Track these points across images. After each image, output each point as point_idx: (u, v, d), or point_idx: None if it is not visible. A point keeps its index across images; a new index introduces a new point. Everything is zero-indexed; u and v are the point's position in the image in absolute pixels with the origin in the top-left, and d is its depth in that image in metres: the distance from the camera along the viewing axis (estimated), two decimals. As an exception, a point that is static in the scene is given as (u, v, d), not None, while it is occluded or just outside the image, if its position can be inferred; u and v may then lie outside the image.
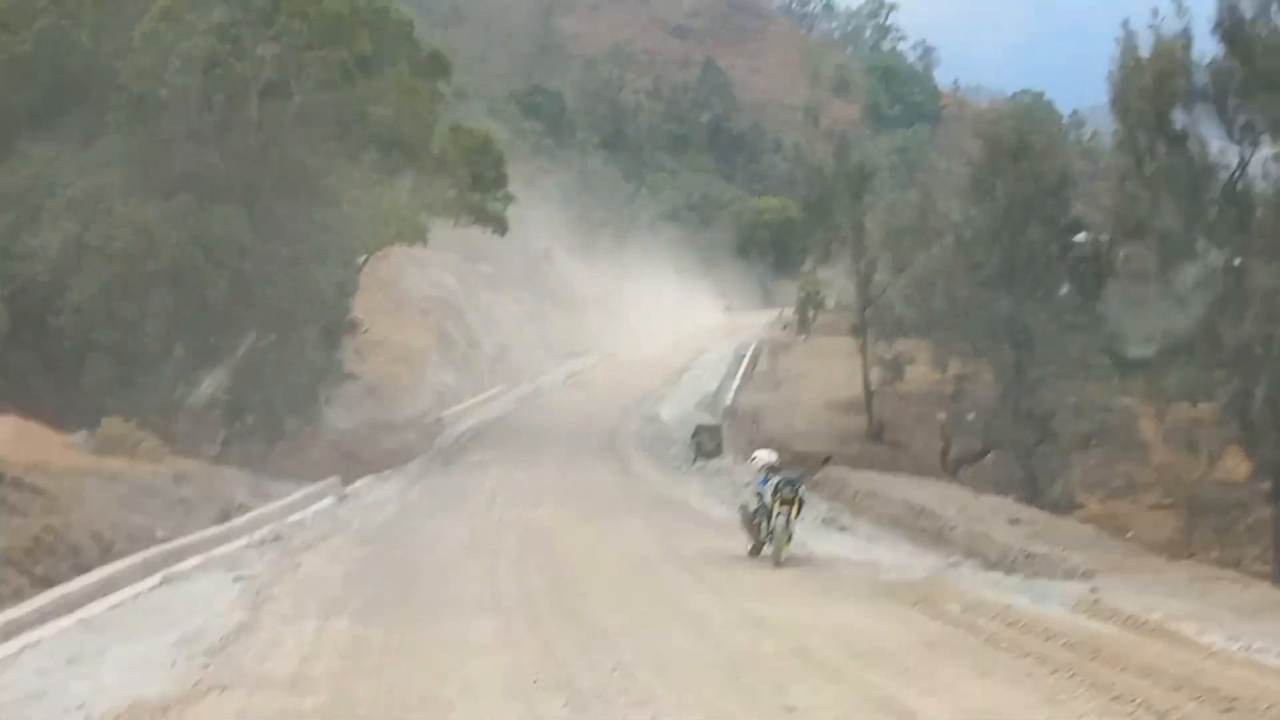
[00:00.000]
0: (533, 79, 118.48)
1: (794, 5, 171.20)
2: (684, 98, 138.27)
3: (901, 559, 20.03)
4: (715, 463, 33.47)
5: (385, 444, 41.97)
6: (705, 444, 34.78)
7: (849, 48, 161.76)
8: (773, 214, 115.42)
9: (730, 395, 50.58)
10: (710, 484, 30.27)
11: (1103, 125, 39.99)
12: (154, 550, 18.54)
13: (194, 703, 10.59)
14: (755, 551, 18.91)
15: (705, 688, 10.98)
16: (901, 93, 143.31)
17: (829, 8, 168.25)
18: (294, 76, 33.74)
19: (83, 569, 17.12)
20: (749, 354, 65.02)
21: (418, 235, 37.05)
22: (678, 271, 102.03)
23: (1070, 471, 34.81)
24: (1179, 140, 27.95)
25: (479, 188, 39.70)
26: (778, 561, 18.23)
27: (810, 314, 79.72)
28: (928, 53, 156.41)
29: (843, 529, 23.39)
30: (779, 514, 18.30)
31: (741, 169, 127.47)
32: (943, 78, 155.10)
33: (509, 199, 41.36)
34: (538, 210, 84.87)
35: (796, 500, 18.53)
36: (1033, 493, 34.23)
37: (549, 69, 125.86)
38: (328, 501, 27.73)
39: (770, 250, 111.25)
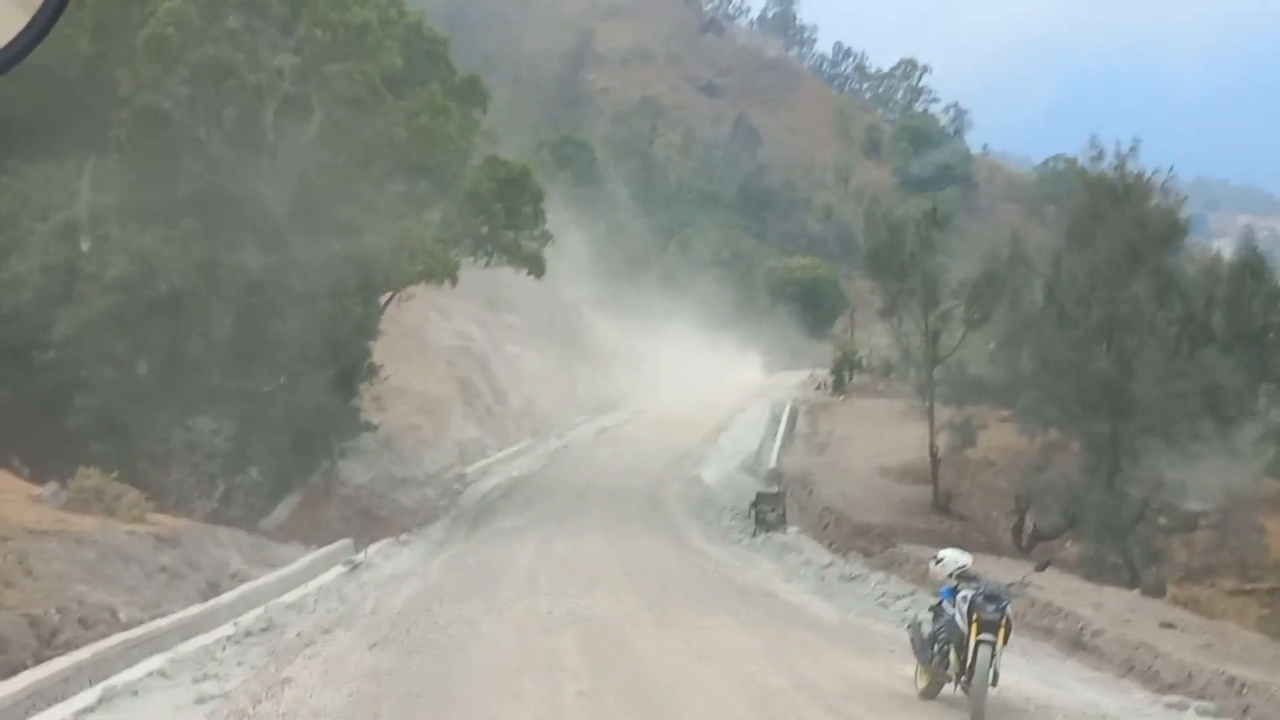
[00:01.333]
0: (562, 129, 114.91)
1: (825, 66, 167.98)
2: (715, 154, 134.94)
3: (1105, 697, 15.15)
4: (779, 537, 29.03)
5: (404, 501, 37.86)
6: (767, 514, 30.24)
7: (879, 109, 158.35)
8: (803, 272, 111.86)
9: (773, 457, 46.31)
10: (785, 565, 25.71)
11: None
12: (105, 644, 14.14)
13: None
14: (932, 690, 14.07)
15: None
16: (933, 155, 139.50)
17: (861, 69, 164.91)
18: (314, 91, 29.91)
19: (7, 670, 12.87)
20: (785, 414, 60.79)
21: (446, 273, 32.78)
22: (707, 329, 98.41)
23: (1168, 555, 30.61)
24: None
25: (514, 225, 35.57)
26: (979, 717, 13.05)
27: (847, 374, 75.86)
28: (959, 115, 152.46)
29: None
30: (979, 643, 13.05)
31: (772, 227, 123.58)
32: (973, 142, 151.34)
33: (546, 238, 37.18)
34: (567, 262, 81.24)
35: (1003, 625, 13.31)
36: (1129, 577, 29.97)
37: (579, 121, 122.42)
38: (335, 573, 23.34)
39: (799, 309, 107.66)
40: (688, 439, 52.05)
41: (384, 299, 35.42)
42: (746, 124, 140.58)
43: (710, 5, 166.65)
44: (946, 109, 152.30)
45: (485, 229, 34.93)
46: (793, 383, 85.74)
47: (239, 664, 14.36)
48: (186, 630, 15.96)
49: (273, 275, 29.92)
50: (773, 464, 44.34)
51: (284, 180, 30.12)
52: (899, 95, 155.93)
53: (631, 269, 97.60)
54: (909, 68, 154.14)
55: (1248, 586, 33.85)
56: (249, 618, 17.32)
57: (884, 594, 20.38)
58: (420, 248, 31.11)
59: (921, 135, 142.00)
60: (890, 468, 41.75)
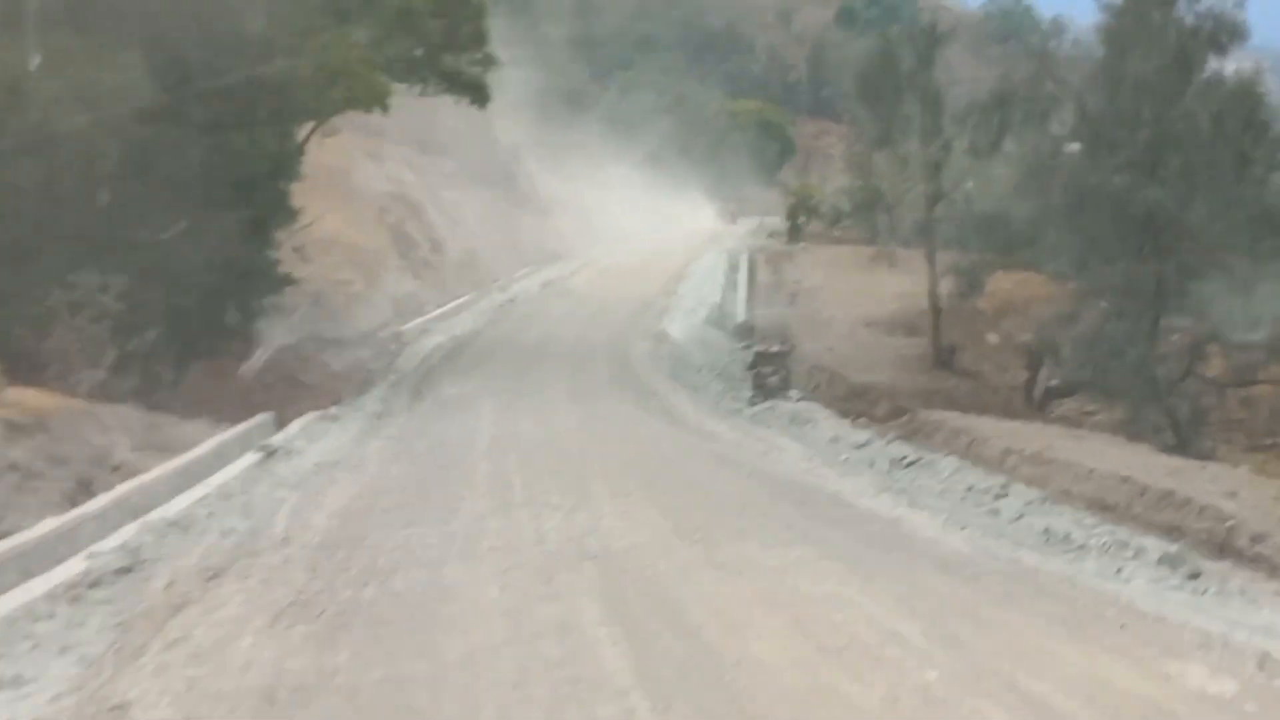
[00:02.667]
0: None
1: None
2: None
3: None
4: (784, 404, 24.16)
5: (334, 365, 32.87)
6: (768, 377, 25.32)
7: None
8: (749, 116, 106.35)
9: (740, 309, 41.66)
10: (810, 444, 20.00)
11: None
12: None
13: None
14: None
15: None
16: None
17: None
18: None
19: None
20: (744, 263, 56.13)
21: (375, 100, 27.23)
22: (651, 175, 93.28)
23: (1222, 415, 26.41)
24: None
25: (452, 46, 30.08)
26: None
27: (803, 220, 71.19)
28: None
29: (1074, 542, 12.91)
30: None
31: (714, 70, 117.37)
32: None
33: (490, 62, 31.70)
34: (504, 102, 75.26)
35: None
36: (1175, 441, 25.71)
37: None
38: (246, 463, 18.25)
39: (746, 154, 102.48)
40: (644, 290, 47.24)
41: (304, 132, 30.03)
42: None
43: None
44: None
45: (420, 51, 29.40)
46: (743, 230, 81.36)
47: (60, 653, 8.94)
48: (18, 567, 10.98)
49: (168, 101, 24.40)
50: (742, 316, 39.69)
51: (177, -15, 24.44)
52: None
53: (572, 113, 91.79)
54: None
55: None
56: (112, 543, 12.06)
57: (970, 488, 15.56)
58: (344, 69, 25.54)
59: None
60: (876, 319, 37.33)
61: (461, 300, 45.17)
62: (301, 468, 17.87)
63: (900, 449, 18.37)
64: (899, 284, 44.22)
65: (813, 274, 48.59)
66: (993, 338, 37.98)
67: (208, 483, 16.31)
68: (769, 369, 25.05)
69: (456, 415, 22.91)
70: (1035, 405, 30.37)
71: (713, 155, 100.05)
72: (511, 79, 77.80)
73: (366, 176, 51.69)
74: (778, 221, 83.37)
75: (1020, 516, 13.95)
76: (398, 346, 36.19)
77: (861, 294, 42.38)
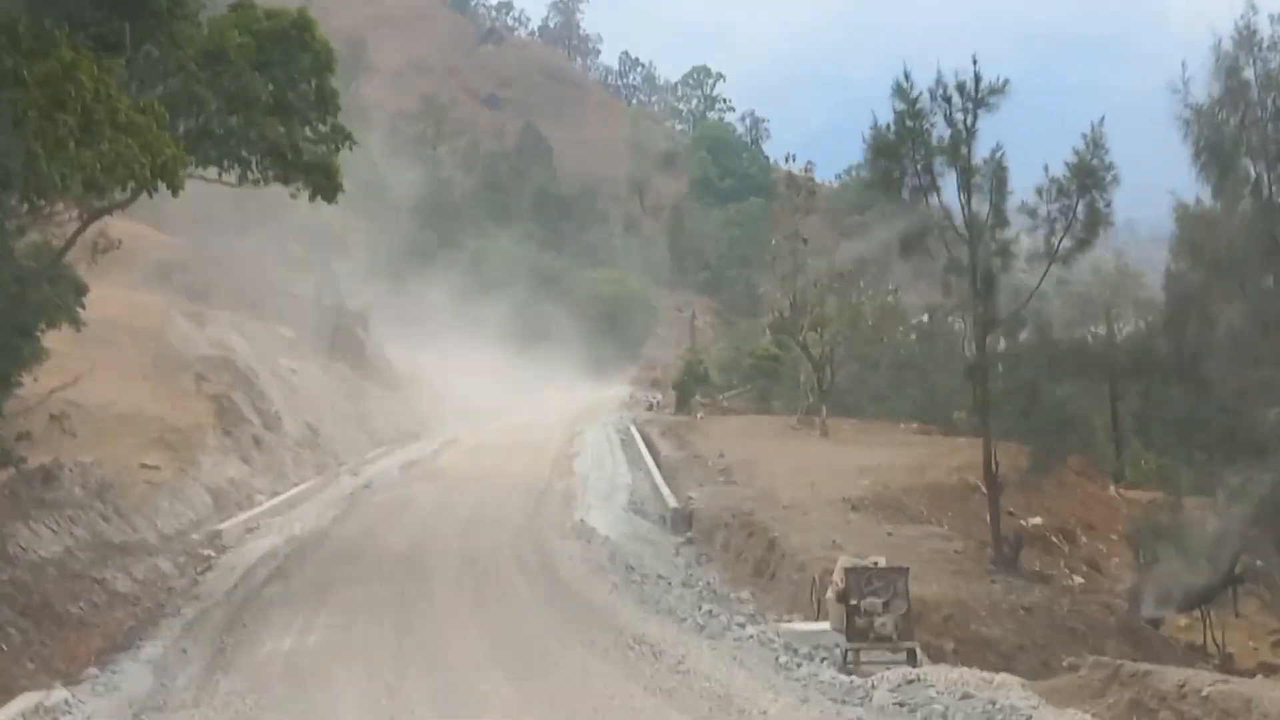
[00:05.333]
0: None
1: (611, 78, 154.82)
2: (502, 166, 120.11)
3: None
4: (902, 670, 13.61)
5: (119, 583, 22.36)
6: (875, 615, 14.78)
7: (671, 121, 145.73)
8: (609, 286, 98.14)
9: (665, 491, 31.77)
10: None
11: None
12: None
13: None
14: None
15: None
16: (732, 165, 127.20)
17: (650, 79, 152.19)
18: None
19: None
20: (637, 437, 46.64)
21: (162, 171, 16.93)
22: (508, 348, 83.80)
23: None
24: None
25: (286, 111, 20.24)
26: None
27: (693, 388, 62.32)
28: (756, 124, 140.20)
29: None
30: None
31: (570, 239, 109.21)
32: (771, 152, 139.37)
33: (343, 137, 22.00)
34: (350, 267, 65.39)
35: None
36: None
37: (353, 130, 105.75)
38: None
39: (608, 325, 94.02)
40: (531, 470, 37.28)
41: (76, 224, 19.81)
42: (535, 133, 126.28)
43: (488, 15, 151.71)
44: (743, 118, 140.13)
45: (237, 117, 19.44)
46: (614, 404, 72.14)
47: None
48: None
49: None
50: (673, 501, 29.85)
51: None
52: (693, 104, 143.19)
53: (421, 284, 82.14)
54: (702, 74, 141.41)
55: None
56: None
57: None
58: (108, 113, 15.44)
59: (720, 144, 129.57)
60: (858, 500, 27.76)
61: (302, 488, 34.68)
62: None
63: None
64: (853, 457, 35.07)
65: (733, 446, 39.03)
66: (1036, 520, 28.89)
67: None
68: (874, 600, 14.53)
69: (291, 687, 12.44)
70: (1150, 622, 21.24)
71: (574, 327, 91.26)
72: (357, 241, 68.41)
73: (184, 339, 41.19)
74: (648, 393, 74.78)
75: None
76: (214, 552, 25.68)
77: (810, 469, 33.05)
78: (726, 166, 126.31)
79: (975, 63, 22.67)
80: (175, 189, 16.54)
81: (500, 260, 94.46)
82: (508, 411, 65.10)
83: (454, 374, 71.30)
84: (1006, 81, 23.11)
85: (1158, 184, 27.16)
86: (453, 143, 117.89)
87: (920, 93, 23.44)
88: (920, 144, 23.06)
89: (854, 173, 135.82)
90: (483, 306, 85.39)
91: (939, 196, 23.41)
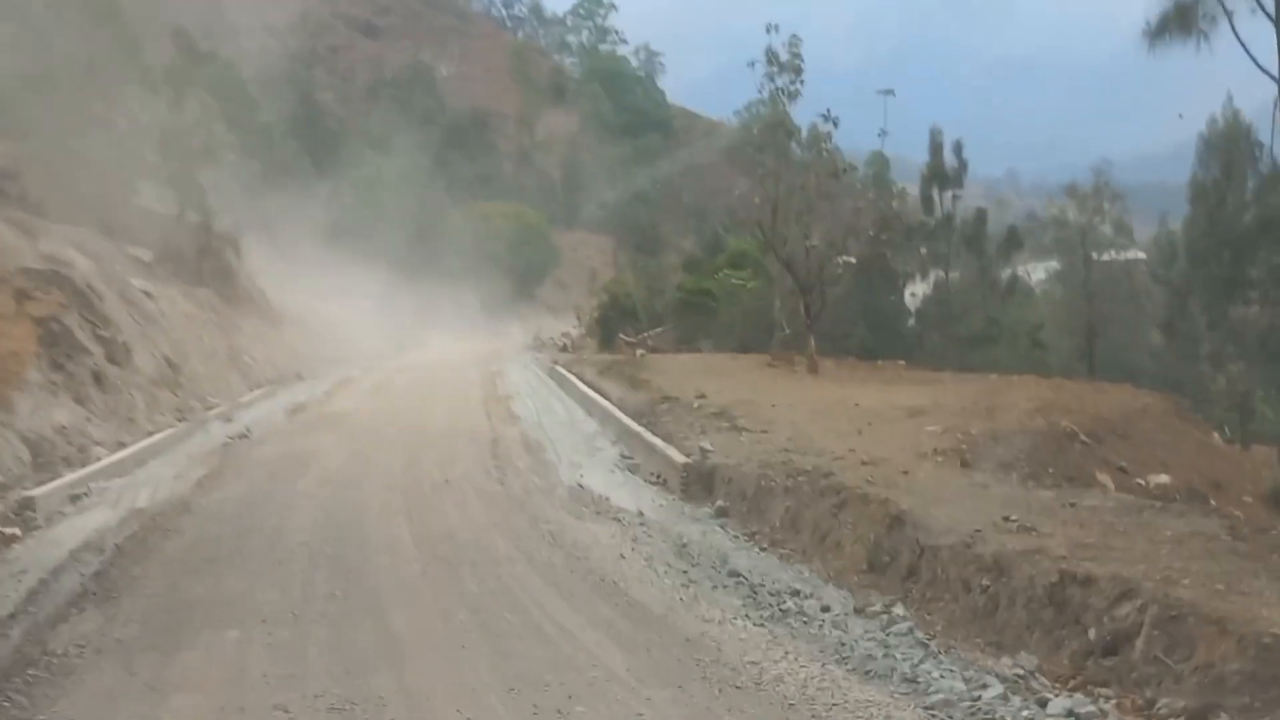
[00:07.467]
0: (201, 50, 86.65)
1: (494, 10, 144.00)
2: (383, 94, 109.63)
3: None
4: None
5: None
6: None
7: (561, 55, 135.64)
8: (507, 220, 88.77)
9: (660, 444, 23.00)
10: None
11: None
12: None
13: None
14: None
15: None
16: (627, 100, 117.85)
17: (537, 10, 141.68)
18: None
19: None
20: (574, 379, 37.82)
21: None
22: (398, 284, 74.46)
23: None
24: None
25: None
26: None
27: (617, 325, 53.71)
28: (651, 58, 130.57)
29: None
30: None
31: (460, 170, 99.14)
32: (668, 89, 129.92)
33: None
34: (219, 193, 54.94)
35: None
36: None
37: (219, 42, 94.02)
38: None
39: (507, 262, 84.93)
40: (464, 416, 28.48)
41: None
42: (420, 64, 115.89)
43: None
44: (636, 51, 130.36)
45: None
46: (518, 343, 63.76)
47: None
48: None
49: None
50: (678, 455, 21.14)
51: None
52: (584, 36, 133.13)
53: (296, 214, 71.88)
54: (593, 4, 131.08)
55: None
56: None
57: None
58: None
59: (613, 77, 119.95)
60: (956, 451, 19.47)
61: (158, 438, 25.45)
62: None
63: None
64: (877, 396, 26.91)
65: (709, 387, 30.36)
66: (1161, 478, 21.05)
67: None
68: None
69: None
70: None
71: (469, 264, 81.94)
72: (227, 166, 58.08)
73: (7, 248, 31.36)
74: (556, 332, 66.42)
75: None
76: (17, 531, 16.56)
77: (832, 412, 24.77)
78: (621, 101, 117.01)
79: None
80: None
81: (385, 192, 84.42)
82: (401, 352, 56.19)
83: (334, 312, 61.87)
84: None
85: None
86: (330, 64, 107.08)
87: None
88: None
89: (755, 107, 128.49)
90: (367, 241, 75.78)
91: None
